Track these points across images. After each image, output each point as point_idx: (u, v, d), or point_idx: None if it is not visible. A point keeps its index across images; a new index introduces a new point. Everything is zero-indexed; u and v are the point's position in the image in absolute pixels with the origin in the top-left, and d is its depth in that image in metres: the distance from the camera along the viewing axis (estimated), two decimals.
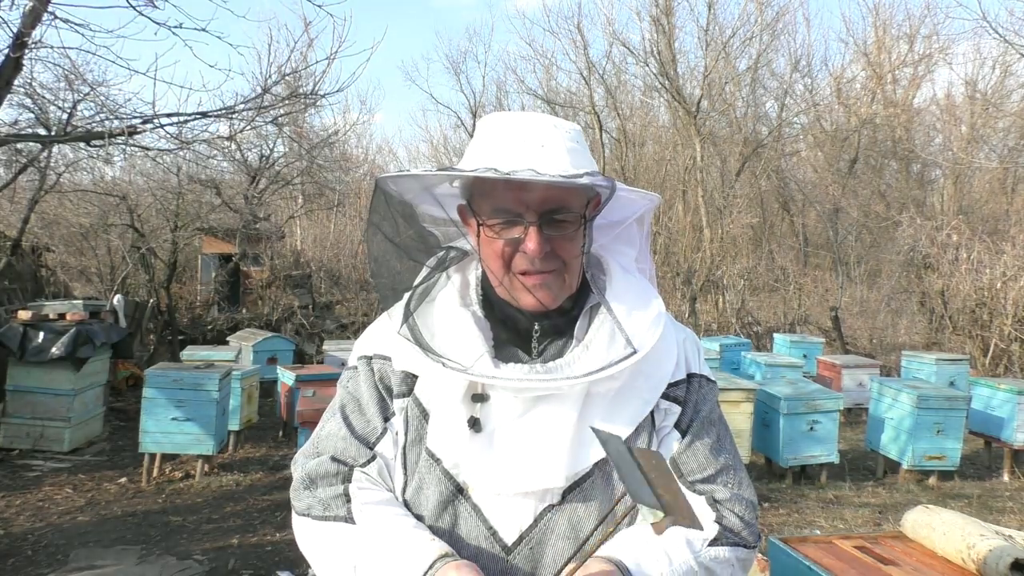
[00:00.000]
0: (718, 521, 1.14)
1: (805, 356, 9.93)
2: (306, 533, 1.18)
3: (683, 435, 1.19)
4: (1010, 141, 18.13)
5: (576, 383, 1.08)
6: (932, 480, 6.49)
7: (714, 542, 1.11)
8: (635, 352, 1.09)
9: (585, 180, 1.04)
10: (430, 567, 1.02)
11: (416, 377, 1.19)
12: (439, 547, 1.06)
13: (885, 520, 5.47)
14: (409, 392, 1.19)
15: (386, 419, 1.20)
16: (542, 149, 1.08)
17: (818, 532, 5.07)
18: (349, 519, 1.12)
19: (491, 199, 1.11)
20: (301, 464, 1.21)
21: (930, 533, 2.34)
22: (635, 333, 1.12)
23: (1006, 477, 6.83)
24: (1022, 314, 10.96)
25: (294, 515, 1.20)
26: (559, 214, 1.09)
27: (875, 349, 13.01)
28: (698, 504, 1.15)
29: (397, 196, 1.17)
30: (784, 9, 18.41)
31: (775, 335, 11.75)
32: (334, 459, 1.18)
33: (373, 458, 1.18)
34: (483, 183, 1.11)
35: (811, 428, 6.30)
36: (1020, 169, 17.73)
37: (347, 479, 1.16)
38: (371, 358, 1.23)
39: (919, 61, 19.05)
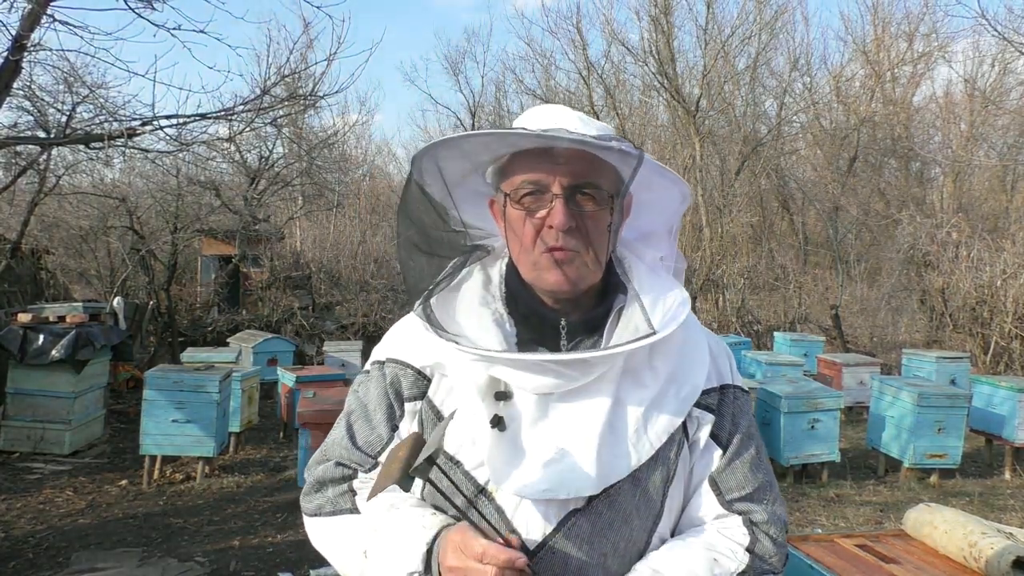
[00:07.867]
0: (751, 548, 1.13)
1: (806, 355, 9.92)
2: (318, 531, 1.22)
3: (724, 449, 1.18)
4: (1009, 138, 18.14)
5: (591, 356, 1.06)
6: (933, 478, 6.48)
7: (742, 575, 1.11)
8: (654, 332, 1.08)
9: (614, 144, 1.04)
10: (435, 538, 1.06)
11: (429, 381, 1.18)
12: (442, 519, 1.09)
13: (886, 518, 5.47)
14: (422, 395, 1.18)
15: (394, 427, 1.20)
16: (575, 120, 1.12)
17: (819, 531, 5.06)
18: (355, 510, 1.17)
19: (521, 173, 1.11)
20: (311, 471, 1.26)
21: (932, 531, 2.34)
22: (656, 318, 1.11)
23: (1007, 475, 6.83)
24: (1022, 311, 10.96)
25: (305, 519, 1.25)
26: (587, 189, 1.09)
27: (876, 347, 13.02)
28: (734, 525, 1.15)
29: (429, 191, 1.17)
30: (783, 8, 18.41)
31: (775, 334, 11.75)
32: (339, 464, 1.22)
33: (376, 466, 1.20)
34: (515, 159, 1.12)
35: (812, 427, 6.30)
36: (1019, 167, 17.74)
37: (351, 479, 1.21)
38: (384, 363, 1.23)
39: (918, 59, 19.06)
